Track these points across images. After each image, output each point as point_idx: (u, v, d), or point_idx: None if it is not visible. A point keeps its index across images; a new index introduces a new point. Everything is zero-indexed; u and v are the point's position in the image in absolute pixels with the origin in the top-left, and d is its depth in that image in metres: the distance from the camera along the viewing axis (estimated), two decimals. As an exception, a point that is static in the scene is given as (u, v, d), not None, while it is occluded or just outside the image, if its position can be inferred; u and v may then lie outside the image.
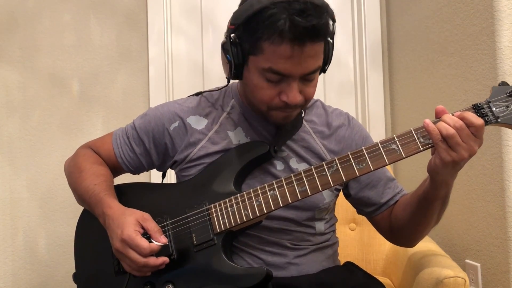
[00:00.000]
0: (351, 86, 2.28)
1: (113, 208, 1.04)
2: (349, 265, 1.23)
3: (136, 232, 0.98)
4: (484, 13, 1.42)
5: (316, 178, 0.98)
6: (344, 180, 0.97)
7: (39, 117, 2.02)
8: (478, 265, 1.49)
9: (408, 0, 1.99)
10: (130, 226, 0.98)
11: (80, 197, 1.14)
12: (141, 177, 1.31)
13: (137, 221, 1.00)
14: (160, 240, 0.98)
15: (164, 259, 0.99)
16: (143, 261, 0.96)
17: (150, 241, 0.98)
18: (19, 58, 2.01)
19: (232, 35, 1.00)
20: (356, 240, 1.71)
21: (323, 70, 1.06)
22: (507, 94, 0.92)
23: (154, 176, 2.03)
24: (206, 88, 1.25)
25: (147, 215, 1.03)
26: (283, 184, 1.01)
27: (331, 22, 0.98)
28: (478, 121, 0.89)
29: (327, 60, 1.04)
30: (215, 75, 2.21)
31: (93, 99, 2.08)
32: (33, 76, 2.02)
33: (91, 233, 1.17)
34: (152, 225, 1.01)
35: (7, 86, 1.99)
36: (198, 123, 1.15)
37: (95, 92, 2.09)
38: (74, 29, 2.07)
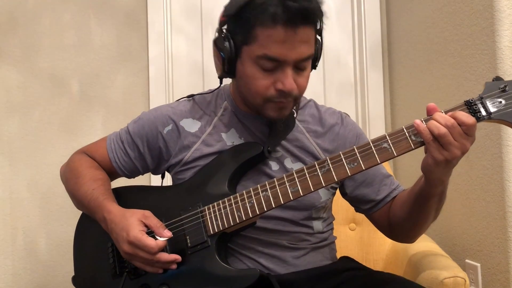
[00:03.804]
0: (351, 86, 2.28)
1: (113, 212, 1.04)
2: (345, 259, 1.23)
3: (142, 232, 0.99)
4: (484, 13, 1.42)
5: (308, 178, 0.98)
6: (336, 179, 0.97)
7: (39, 117, 2.02)
8: (478, 265, 1.49)
9: (408, 0, 2.00)
10: (135, 227, 0.99)
11: (79, 202, 1.15)
12: (141, 180, 1.31)
13: (140, 221, 1.01)
14: (164, 235, 1.00)
15: (175, 257, 1.00)
16: (155, 259, 0.98)
17: (156, 238, 0.99)
18: (19, 58, 2.01)
19: (224, 28, 1.02)
20: (356, 240, 1.71)
21: (313, 65, 1.07)
22: (500, 89, 0.90)
23: (154, 179, 2.03)
24: (206, 88, 1.25)
25: (148, 213, 1.04)
26: (275, 185, 1.00)
27: (322, 10, 1.00)
28: (470, 120, 0.88)
29: (317, 55, 1.05)
30: (215, 75, 2.16)
31: (93, 99, 2.08)
32: (33, 76, 2.02)
33: (89, 236, 1.17)
34: (154, 222, 1.02)
35: (7, 86, 1.99)
36: (191, 126, 1.15)
37: (95, 92, 2.09)
38: (74, 29, 2.07)
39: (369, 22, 2.22)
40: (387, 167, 1.53)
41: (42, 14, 2.04)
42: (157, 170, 1.21)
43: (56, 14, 2.06)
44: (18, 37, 2.01)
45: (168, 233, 1.01)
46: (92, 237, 1.15)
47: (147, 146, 1.17)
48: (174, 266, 1.02)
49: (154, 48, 2.15)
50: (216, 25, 1.07)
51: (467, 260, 1.55)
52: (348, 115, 1.23)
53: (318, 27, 1.01)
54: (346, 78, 2.28)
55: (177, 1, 2.22)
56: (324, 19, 1.01)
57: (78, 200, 1.15)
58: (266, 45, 0.96)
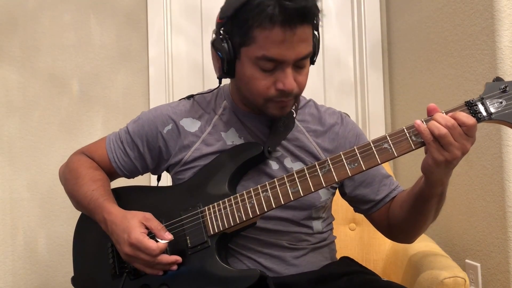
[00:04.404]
0: (351, 86, 2.28)
1: (114, 213, 1.04)
2: (345, 259, 1.23)
3: (143, 234, 0.99)
4: (484, 13, 1.42)
5: (309, 178, 0.98)
6: (336, 180, 0.97)
7: (39, 117, 2.02)
8: (478, 265, 1.49)
9: (408, 0, 1.99)
10: (136, 228, 0.99)
11: (79, 203, 1.14)
12: (141, 181, 1.31)
13: (141, 222, 1.01)
14: (165, 237, 1.00)
15: (176, 258, 1.01)
16: (155, 261, 0.99)
17: (157, 240, 0.99)
18: (19, 58, 2.01)
19: (221, 30, 1.01)
20: (356, 240, 1.71)
21: (311, 61, 1.07)
22: (501, 90, 0.90)
23: (154, 180, 2.03)
24: (206, 88, 1.25)
25: (148, 215, 1.04)
26: (275, 185, 1.00)
27: (318, 6, 1.00)
28: (470, 120, 0.88)
29: (315, 50, 1.05)
30: (215, 75, 2.20)
31: (93, 99, 2.08)
32: (33, 76, 2.02)
33: (88, 237, 1.17)
34: (155, 224, 1.02)
35: (7, 86, 1.99)
36: (191, 125, 1.15)
37: (95, 92, 2.09)
38: (74, 29, 2.07)
39: (369, 22, 2.22)
40: (387, 167, 1.53)
41: (42, 14, 2.04)
42: (156, 170, 1.21)
43: (56, 14, 2.06)
44: (18, 37, 2.01)
45: (169, 236, 1.01)
46: (91, 237, 1.15)
47: (147, 146, 1.17)
48: (175, 267, 1.02)
49: (154, 48, 2.15)
50: (216, 25, 1.07)
51: (467, 260, 1.55)
52: (348, 115, 1.23)
53: (315, 22, 1.01)
54: (346, 78, 2.28)
55: (177, 1, 2.22)
56: (321, 15, 1.02)
57: (77, 201, 1.15)
58: (264, 46, 0.95)
